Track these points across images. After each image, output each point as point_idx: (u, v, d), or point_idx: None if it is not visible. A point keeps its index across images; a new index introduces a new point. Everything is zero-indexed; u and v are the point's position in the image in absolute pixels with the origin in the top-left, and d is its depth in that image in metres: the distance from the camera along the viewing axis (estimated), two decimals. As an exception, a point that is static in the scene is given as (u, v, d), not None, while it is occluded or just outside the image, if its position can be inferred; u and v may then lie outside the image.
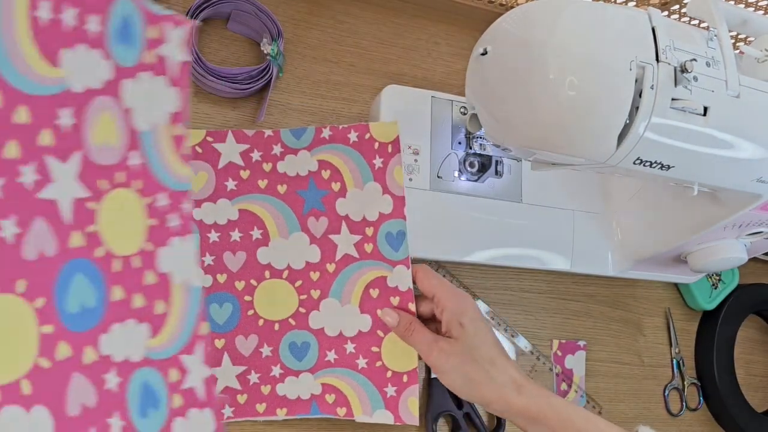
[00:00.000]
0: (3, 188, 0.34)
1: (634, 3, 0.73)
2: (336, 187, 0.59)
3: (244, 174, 0.58)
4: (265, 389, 0.57)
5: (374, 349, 0.58)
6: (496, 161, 0.65)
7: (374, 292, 0.58)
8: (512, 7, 0.53)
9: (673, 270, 0.72)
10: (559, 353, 0.71)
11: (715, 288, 0.80)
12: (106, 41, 0.38)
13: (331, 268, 0.58)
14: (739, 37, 0.73)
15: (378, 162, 0.59)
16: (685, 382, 0.77)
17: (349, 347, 0.58)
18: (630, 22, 0.47)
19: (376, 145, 0.59)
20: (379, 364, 0.58)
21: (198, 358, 0.44)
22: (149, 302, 0.41)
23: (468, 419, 0.64)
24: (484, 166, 0.65)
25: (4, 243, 0.34)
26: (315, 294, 0.58)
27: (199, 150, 0.57)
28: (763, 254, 0.79)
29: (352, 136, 0.59)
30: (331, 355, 0.58)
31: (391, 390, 0.57)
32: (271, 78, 0.61)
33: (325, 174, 0.59)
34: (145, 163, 0.41)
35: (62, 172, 0.36)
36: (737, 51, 0.54)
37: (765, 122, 0.50)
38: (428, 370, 0.65)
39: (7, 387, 0.34)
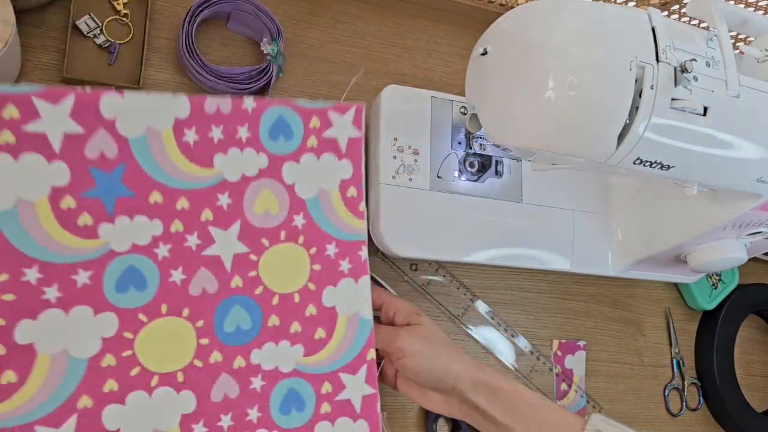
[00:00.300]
0: (170, 251, 0.49)
1: (634, 3, 0.73)
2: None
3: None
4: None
5: None
6: (496, 161, 0.65)
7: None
8: (512, 7, 0.53)
9: (673, 270, 0.72)
10: (559, 353, 0.71)
11: (715, 288, 0.80)
12: (259, 141, 0.51)
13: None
14: (739, 37, 0.73)
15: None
16: (685, 382, 0.77)
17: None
18: (630, 22, 0.47)
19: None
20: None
21: (360, 378, 0.54)
22: (307, 329, 0.52)
23: (468, 419, 0.64)
24: (484, 166, 0.65)
25: (175, 285, 0.49)
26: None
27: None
28: (763, 254, 0.79)
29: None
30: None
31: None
32: (271, 78, 0.61)
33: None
34: (310, 222, 0.53)
35: (223, 236, 0.50)
36: (737, 51, 0.55)
37: (765, 122, 0.50)
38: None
39: (166, 375, 0.48)
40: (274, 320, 0.52)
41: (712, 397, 0.77)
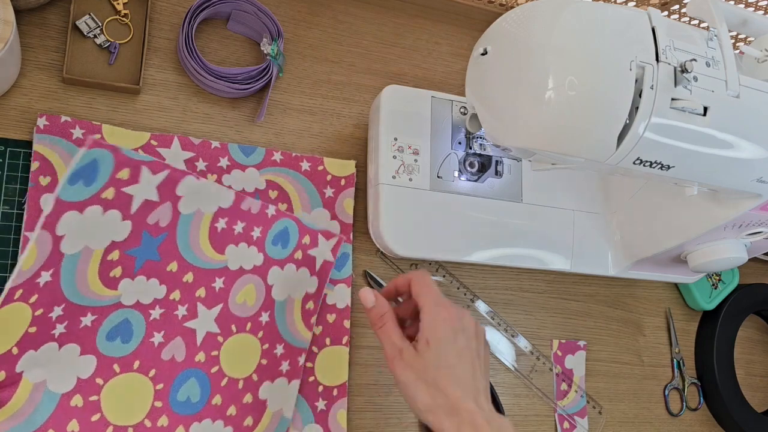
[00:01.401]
0: (161, 314, 0.54)
1: (634, 3, 0.73)
2: (282, 207, 0.60)
3: None
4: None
5: (308, 364, 0.59)
6: (496, 161, 0.65)
7: (310, 305, 0.60)
8: (512, 7, 0.53)
9: (673, 270, 0.72)
10: (559, 353, 0.71)
11: (715, 288, 0.80)
12: (263, 242, 0.57)
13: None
14: (739, 37, 0.73)
15: (329, 191, 0.62)
16: (685, 382, 0.77)
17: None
18: (630, 22, 0.47)
19: (329, 177, 0.62)
20: (311, 379, 0.59)
21: None
22: (240, 414, 0.55)
23: (468, 419, 0.64)
24: (484, 166, 0.65)
25: (152, 345, 0.53)
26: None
27: (142, 153, 0.56)
28: (763, 254, 0.79)
29: (305, 165, 0.62)
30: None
31: (321, 404, 0.59)
32: (271, 78, 0.61)
33: (272, 194, 0.60)
34: (272, 321, 0.57)
35: (205, 314, 0.55)
36: (737, 51, 0.55)
37: (765, 122, 0.50)
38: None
39: (119, 428, 0.51)
40: (217, 399, 0.55)
41: (712, 397, 0.77)
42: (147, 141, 0.56)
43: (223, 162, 0.59)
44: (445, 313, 0.48)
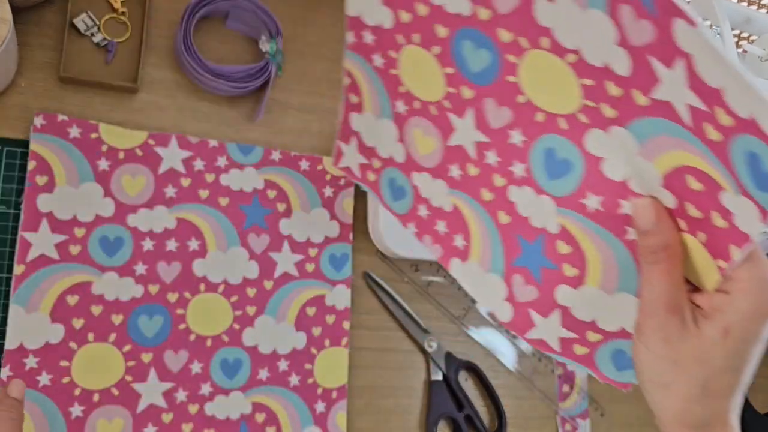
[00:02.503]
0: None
1: (636, 1, 0.72)
2: (281, 207, 0.60)
3: (185, 182, 0.57)
4: (193, 408, 0.54)
5: (307, 366, 0.58)
6: (497, 161, 0.65)
7: (311, 310, 0.59)
8: (513, 5, 0.52)
9: (676, 270, 0.71)
10: (561, 354, 0.71)
11: (718, 289, 0.79)
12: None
13: (268, 285, 0.58)
14: (742, 35, 0.73)
15: (328, 191, 0.61)
16: (688, 384, 0.77)
17: (282, 365, 0.57)
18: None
19: (328, 176, 0.62)
20: (311, 380, 0.58)
21: None
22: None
23: (469, 421, 0.64)
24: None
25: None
26: (250, 310, 0.57)
27: (140, 153, 0.56)
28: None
29: (304, 164, 0.61)
30: (264, 373, 0.57)
31: (320, 406, 0.58)
32: (270, 76, 0.61)
33: (271, 193, 0.59)
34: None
35: None
36: (740, 50, 0.54)
37: None
38: (428, 372, 0.64)
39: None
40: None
41: (715, 399, 0.77)
42: (144, 140, 0.56)
43: (221, 161, 0.58)
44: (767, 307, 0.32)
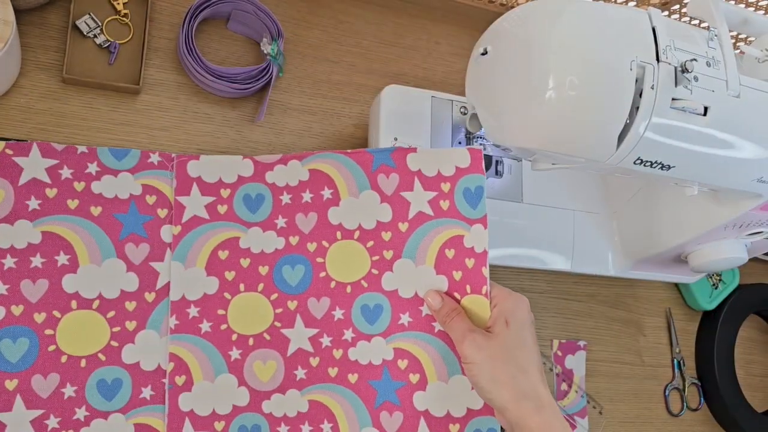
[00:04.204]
0: None
1: (635, 3, 0.73)
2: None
3: (51, 192, 0.52)
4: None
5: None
6: (496, 161, 0.65)
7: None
8: (512, 7, 0.53)
9: (673, 270, 0.72)
10: (560, 353, 0.71)
11: (716, 288, 0.80)
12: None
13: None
14: (740, 37, 0.73)
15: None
16: (686, 382, 0.77)
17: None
18: (630, 22, 0.47)
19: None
20: None
21: None
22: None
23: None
24: (485, 166, 0.65)
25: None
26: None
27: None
28: (763, 254, 0.79)
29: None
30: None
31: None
32: (271, 78, 0.61)
33: (150, 199, 0.54)
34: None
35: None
36: (737, 51, 0.54)
37: (765, 122, 0.50)
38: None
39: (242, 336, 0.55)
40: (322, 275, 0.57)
41: (713, 397, 0.77)
42: (2, 150, 0.51)
43: (92, 168, 0.53)
44: (518, 298, 0.53)
